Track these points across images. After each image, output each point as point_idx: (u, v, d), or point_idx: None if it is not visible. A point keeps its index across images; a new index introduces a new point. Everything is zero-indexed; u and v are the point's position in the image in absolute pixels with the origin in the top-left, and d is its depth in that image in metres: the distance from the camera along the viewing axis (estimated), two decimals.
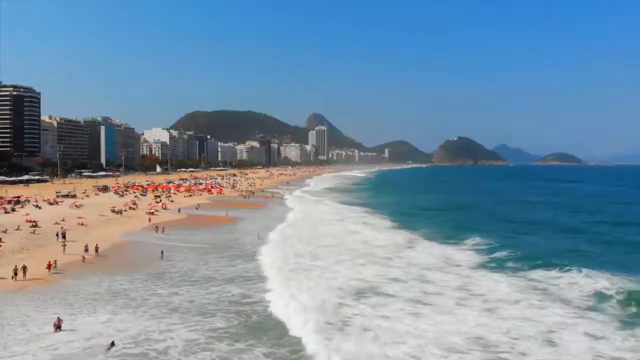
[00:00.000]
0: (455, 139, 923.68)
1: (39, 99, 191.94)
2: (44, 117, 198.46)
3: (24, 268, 34.90)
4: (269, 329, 25.27)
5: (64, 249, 43.50)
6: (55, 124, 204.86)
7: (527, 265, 39.93)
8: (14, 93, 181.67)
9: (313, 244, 49.81)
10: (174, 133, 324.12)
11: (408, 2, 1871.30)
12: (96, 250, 43.87)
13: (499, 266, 40.37)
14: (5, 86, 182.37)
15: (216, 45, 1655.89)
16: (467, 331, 24.99)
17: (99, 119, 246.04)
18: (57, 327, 24.99)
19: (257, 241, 50.69)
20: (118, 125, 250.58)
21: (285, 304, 28.55)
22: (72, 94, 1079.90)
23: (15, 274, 34.31)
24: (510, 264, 40.82)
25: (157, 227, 58.60)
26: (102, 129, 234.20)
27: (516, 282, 35.26)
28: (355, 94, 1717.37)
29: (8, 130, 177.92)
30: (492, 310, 28.54)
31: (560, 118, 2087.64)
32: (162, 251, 43.47)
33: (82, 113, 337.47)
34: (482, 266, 40.74)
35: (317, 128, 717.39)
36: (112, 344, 22.87)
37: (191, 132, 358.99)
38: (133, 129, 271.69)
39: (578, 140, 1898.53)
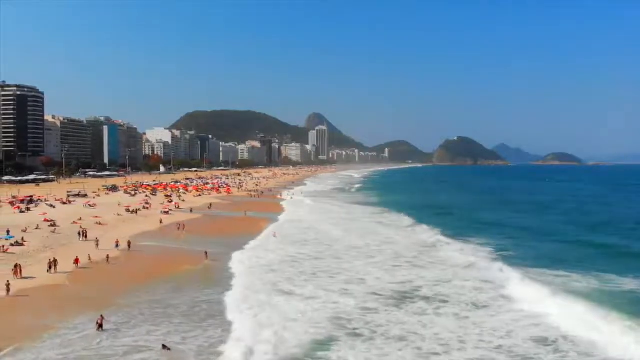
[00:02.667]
0: (455, 138, 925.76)
1: (43, 98, 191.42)
2: (48, 117, 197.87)
3: (55, 261, 35.79)
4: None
5: (97, 244, 44.12)
6: (58, 123, 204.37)
7: (542, 263, 39.55)
8: (18, 93, 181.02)
9: (336, 245, 49.16)
10: (176, 133, 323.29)
11: (408, 1, 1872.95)
12: (129, 246, 44.35)
13: (521, 265, 39.71)
14: (9, 86, 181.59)
15: (216, 45, 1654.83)
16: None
17: (102, 118, 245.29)
18: (100, 325, 24.44)
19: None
20: (121, 125, 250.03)
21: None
22: (72, 93, 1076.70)
23: (50, 267, 35.18)
24: (526, 263, 40.18)
25: (178, 224, 58.87)
26: (105, 128, 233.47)
27: (545, 280, 34.72)
28: (355, 94, 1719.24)
29: (12, 130, 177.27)
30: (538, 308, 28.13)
31: (560, 118, 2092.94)
32: (205, 252, 42.04)
33: (81, 113, 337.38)
34: (507, 264, 39.91)
35: (317, 128, 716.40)
36: (164, 347, 22.26)
37: (193, 132, 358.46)
38: (135, 128, 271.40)
39: (578, 140, 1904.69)
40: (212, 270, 37.94)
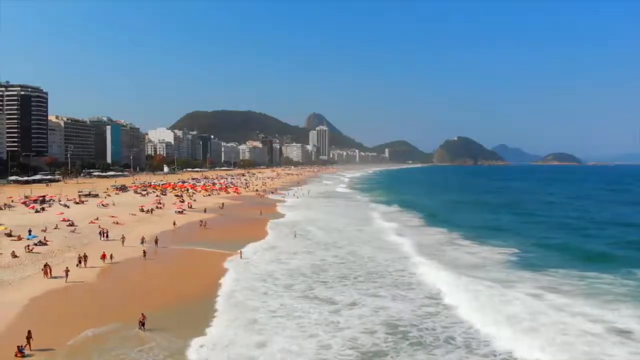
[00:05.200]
0: (455, 139, 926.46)
1: (46, 98, 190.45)
2: (51, 117, 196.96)
3: (85, 256, 36.52)
4: None
5: (123, 242, 44.81)
6: (62, 124, 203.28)
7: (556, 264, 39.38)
8: (22, 93, 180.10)
9: (365, 246, 48.45)
10: (179, 133, 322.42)
11: (408, 2, 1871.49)
12: (156, 243, 44.82)
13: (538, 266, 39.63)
14: (12, 86, 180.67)
15: (216, 45, 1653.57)
16: None
17: (104, 119, 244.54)
18: (142, 323, 24.07)
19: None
20: (123, 125, 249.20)
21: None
22: (73, 93, 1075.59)
23: (80, 261, 35.92)
24: (540, 264, 40.00)
25: (200, 221, 59.52)
26: (108, 129, 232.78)
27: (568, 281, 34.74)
28: (355, 94, 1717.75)
29: (15, 130, 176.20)
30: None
31: (560, 118, 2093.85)
32: (240, 251, 41.71)
33: (82, 113, 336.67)
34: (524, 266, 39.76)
35: (318, 128, 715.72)
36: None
37: (195, 132, 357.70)
38: (138, 128, 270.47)
39: (577, 140, 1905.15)
40: (249, 271, 36.81)
